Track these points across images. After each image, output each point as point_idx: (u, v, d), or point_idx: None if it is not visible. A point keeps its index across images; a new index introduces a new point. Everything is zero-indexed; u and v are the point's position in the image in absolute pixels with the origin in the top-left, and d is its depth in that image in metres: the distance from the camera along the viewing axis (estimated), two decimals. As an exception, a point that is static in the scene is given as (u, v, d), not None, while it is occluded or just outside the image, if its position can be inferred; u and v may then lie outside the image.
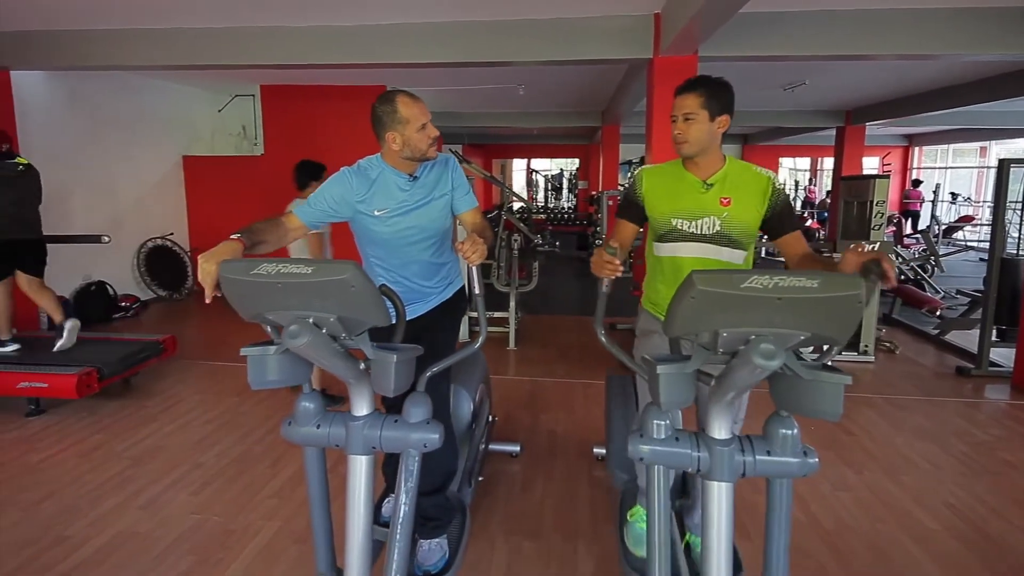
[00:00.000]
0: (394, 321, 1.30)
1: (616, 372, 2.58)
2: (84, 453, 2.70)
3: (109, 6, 3.56)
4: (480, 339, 1.51)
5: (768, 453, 1.15)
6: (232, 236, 1.34)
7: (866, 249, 1.22)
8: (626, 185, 1.76)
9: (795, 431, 1.15)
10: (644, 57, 3.63)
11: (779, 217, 1.59)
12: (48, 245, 3.49)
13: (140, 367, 3.48)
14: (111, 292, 5.43)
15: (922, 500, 2.34)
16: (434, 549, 1.70)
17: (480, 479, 2.20)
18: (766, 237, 1.67)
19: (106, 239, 3.76)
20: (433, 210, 1.68)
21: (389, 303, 1.24)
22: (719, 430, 1.17)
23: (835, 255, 3.85)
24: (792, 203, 1.62)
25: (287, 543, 2.02)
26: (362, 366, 1.27)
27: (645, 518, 1.67)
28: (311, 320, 1.12)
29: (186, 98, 6.68)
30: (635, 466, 1.85)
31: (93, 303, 5.23)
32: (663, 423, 1.20)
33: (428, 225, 1.68)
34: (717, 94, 1.56)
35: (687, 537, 1.84)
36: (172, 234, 6.35)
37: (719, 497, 1.15)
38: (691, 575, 1.78)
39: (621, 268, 1.39)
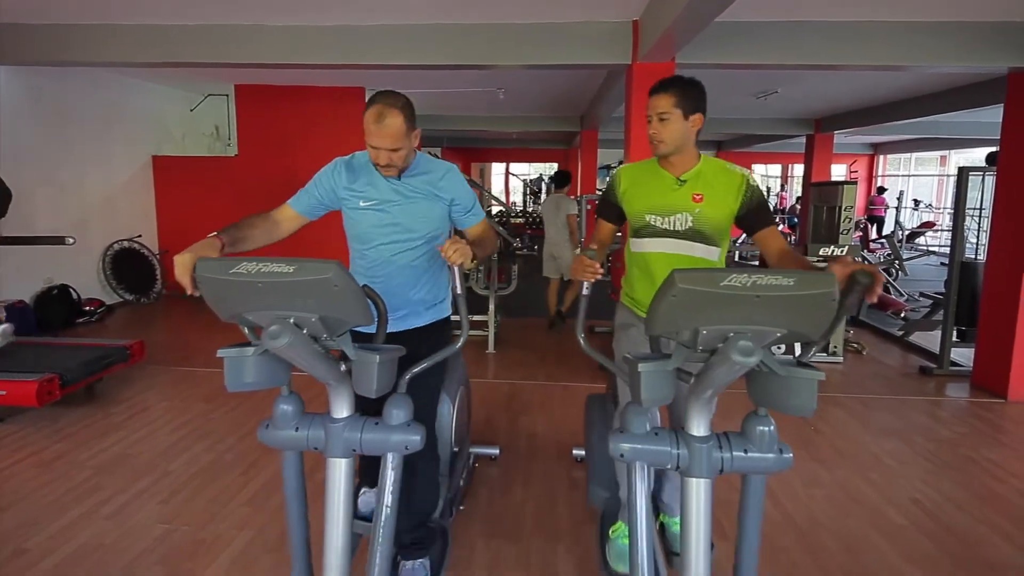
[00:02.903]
0: (376, 321, 1.28)
1: (596, 393, 2.55)
2: (45, 463, 2.59)
3: (83, 0, 3.44)
4: (461, 340, 1.50)
5: (745, 450, 1.17)
6: (211, 234, 1.34)
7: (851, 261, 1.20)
8: (606, 183, 1.78)
9: (772, 428, 1.18)
10: (623, 63, 3.68)
11: (754, 213, 1.62)
12: (8, 247, 3.34)
13: (105, 373, 3.35)
14: (75, 296, 5.22)
15: (890, 496, 2.41)
16: (417, 569, 1.69)
17: (461, 508, 2.20)
18: (744, 235, 1.71)
19: (71, 240, 3.62)
20: (417, 209, 1.62)
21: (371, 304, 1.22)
22: (698, 427, 1.18)
23: (810, 259, 3.96)
24: (767, 200, 1.64)
25: (260, 552, 1.97)
26: (343, 367, 1.25)
27: (627, 534, 1.68)
28: (292, 320, 1.10)
29: (157, 96, 6.50)
30: (617, 478, 1.85)
31: (55, 307, 5.01)
32: (643, 420, 1.21)
33: (411, 224, 1.62)
34: (689, 93, 1.59)
35: (660, 517, 1.87)
36: (140, 236, 6.16)
37: (698, 493, 1.16)
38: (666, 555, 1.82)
39: (601, 271, 1.41)
